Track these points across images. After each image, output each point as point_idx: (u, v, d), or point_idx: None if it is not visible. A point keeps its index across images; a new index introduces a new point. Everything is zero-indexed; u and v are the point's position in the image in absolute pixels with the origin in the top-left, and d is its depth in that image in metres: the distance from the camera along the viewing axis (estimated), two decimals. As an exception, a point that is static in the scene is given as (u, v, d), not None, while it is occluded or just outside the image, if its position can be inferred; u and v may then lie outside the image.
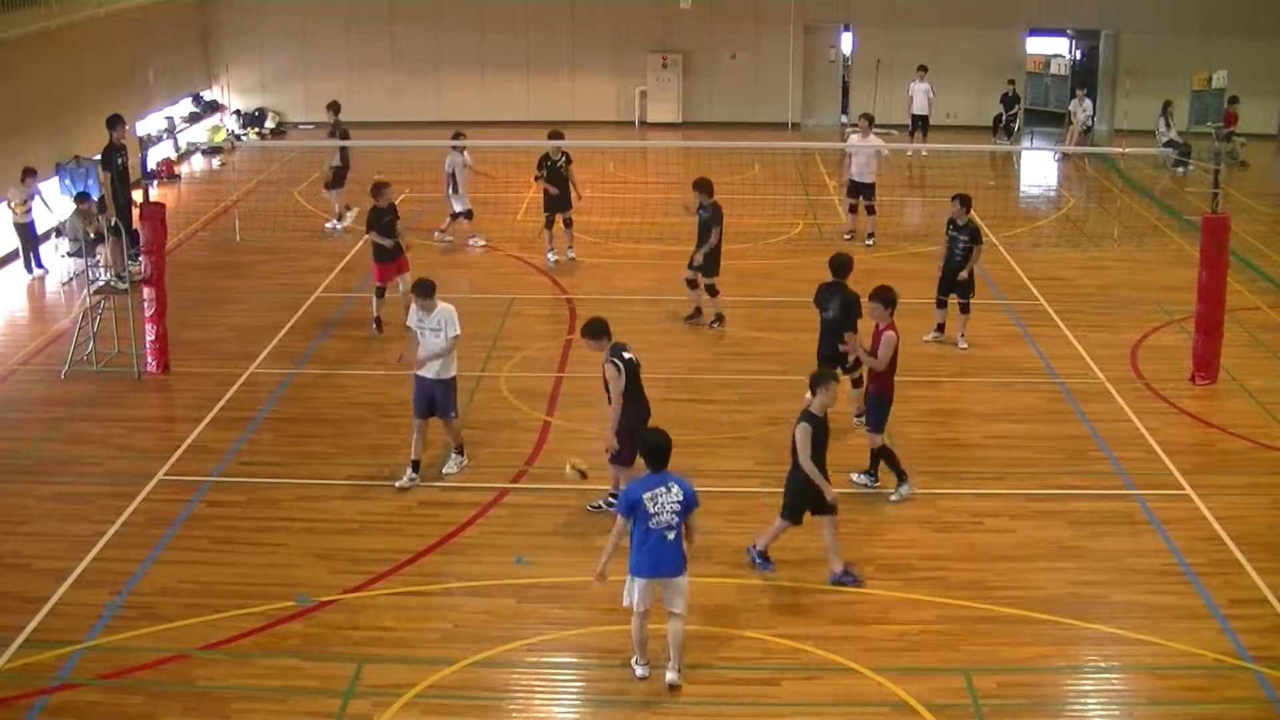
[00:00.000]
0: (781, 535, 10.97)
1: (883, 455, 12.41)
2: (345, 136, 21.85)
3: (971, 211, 16.23)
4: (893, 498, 12.33)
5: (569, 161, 19.71)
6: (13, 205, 19.47)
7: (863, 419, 13.17)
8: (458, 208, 20.62)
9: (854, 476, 12.54)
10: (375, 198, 16.62)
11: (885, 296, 12.28)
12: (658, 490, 9.04)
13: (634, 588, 9.23)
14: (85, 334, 15.71)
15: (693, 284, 16.99)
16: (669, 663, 9.39)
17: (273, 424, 14.17)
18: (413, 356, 12.55)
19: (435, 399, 12.52)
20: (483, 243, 20.80)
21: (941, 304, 16.47)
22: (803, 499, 10.71)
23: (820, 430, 10.52)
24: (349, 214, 21.88)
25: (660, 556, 9.08)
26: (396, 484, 12.46)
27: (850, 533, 11.69)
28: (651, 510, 8.99)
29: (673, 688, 9.33)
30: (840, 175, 21.93)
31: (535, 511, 12.08)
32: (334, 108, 22.72)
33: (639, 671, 9.46)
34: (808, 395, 10.56)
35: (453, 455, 12.88)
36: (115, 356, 15.59)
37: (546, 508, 12.04)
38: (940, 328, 16.56)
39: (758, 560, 11.00)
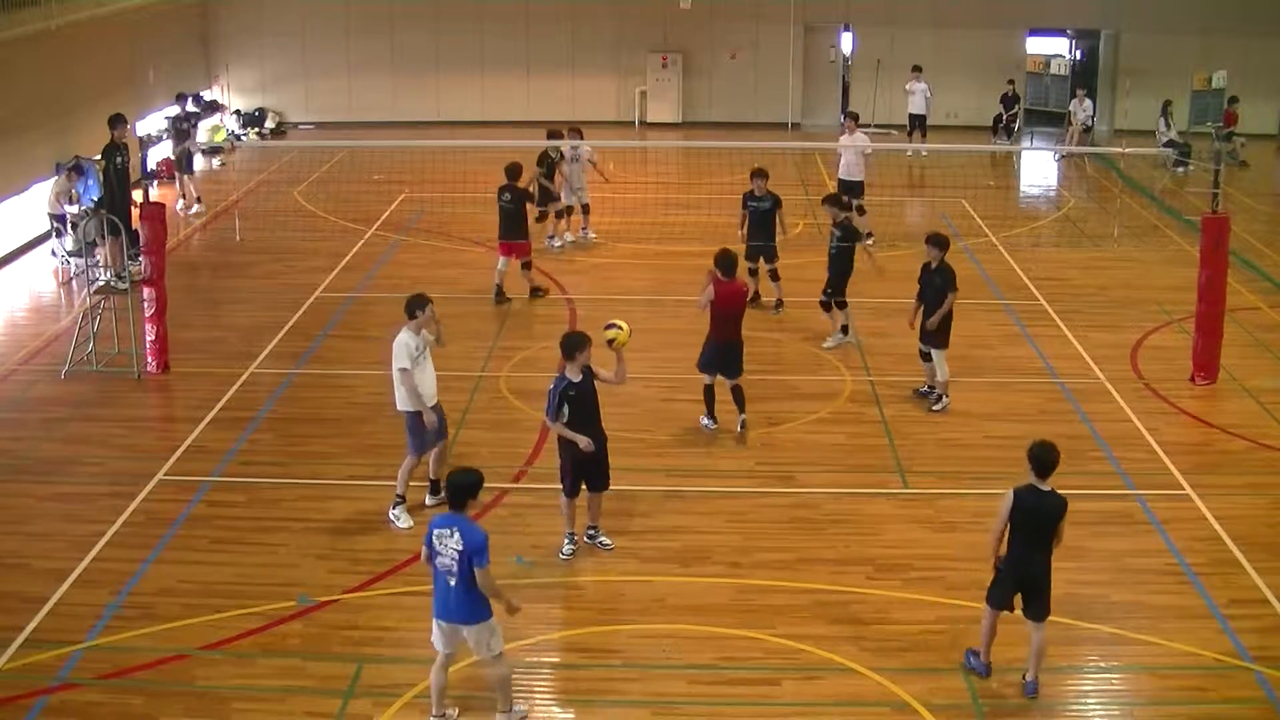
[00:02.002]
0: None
1: (706, 394, 13.77)
2: (185, 126, 24.43)
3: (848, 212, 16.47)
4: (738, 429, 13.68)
5: (563, 158, 20.17)
6: (56, 194, 19.60)
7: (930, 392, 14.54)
8: (569, 201, 20.75)
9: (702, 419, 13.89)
10: (513, 180, 17.56)
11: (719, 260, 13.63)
12: (443, 531, 8.51)
13: (433, 627, 8.82)
14: (85, 334, 15.71)
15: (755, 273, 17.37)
16: (500, 708, 8.96)
17: (273, 424, 14.16)
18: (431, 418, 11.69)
19: (441, 420, 11.91)
20: (571, 239, 21.08)
21: (825, 305, 16.40)
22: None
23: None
24: (197, 205, 23.33)
25: (445, 599, 8.63)
26: (400, 525, 11.81)
27: (850, 532, 11.72)
28: (438, 549, 8.53)
29: None
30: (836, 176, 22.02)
31: (535, 511, 12.08)
32: (180, 99, 26.03)
33: None
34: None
35: (431, 494, 12.19)
36: (115, 356, 15.59)
37: (546, 508, 12.01)
38: (845, 329, 16.43)
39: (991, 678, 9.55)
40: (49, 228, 19.92)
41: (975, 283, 18.90)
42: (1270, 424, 14.16)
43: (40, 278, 19.70)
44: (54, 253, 19.71)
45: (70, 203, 19.59)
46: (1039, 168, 29.13)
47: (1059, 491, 9.11)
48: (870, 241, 20.76)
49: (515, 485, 12.66)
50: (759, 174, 17.33)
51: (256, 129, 30.90)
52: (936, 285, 14.15)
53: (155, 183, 25.23)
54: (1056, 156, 29.38)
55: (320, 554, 11.32)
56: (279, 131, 31.20)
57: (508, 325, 17.19)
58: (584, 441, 10.93)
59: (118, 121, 19.27)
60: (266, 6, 30.99)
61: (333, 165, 26.77)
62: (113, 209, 18.35)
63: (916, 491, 12.52)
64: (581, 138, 20.67)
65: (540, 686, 9.64)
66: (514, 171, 18.02)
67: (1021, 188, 27.45)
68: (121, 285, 16.40)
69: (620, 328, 11.44)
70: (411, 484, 12.03)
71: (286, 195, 24.22)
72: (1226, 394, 15.00)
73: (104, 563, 11.13)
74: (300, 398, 14.90)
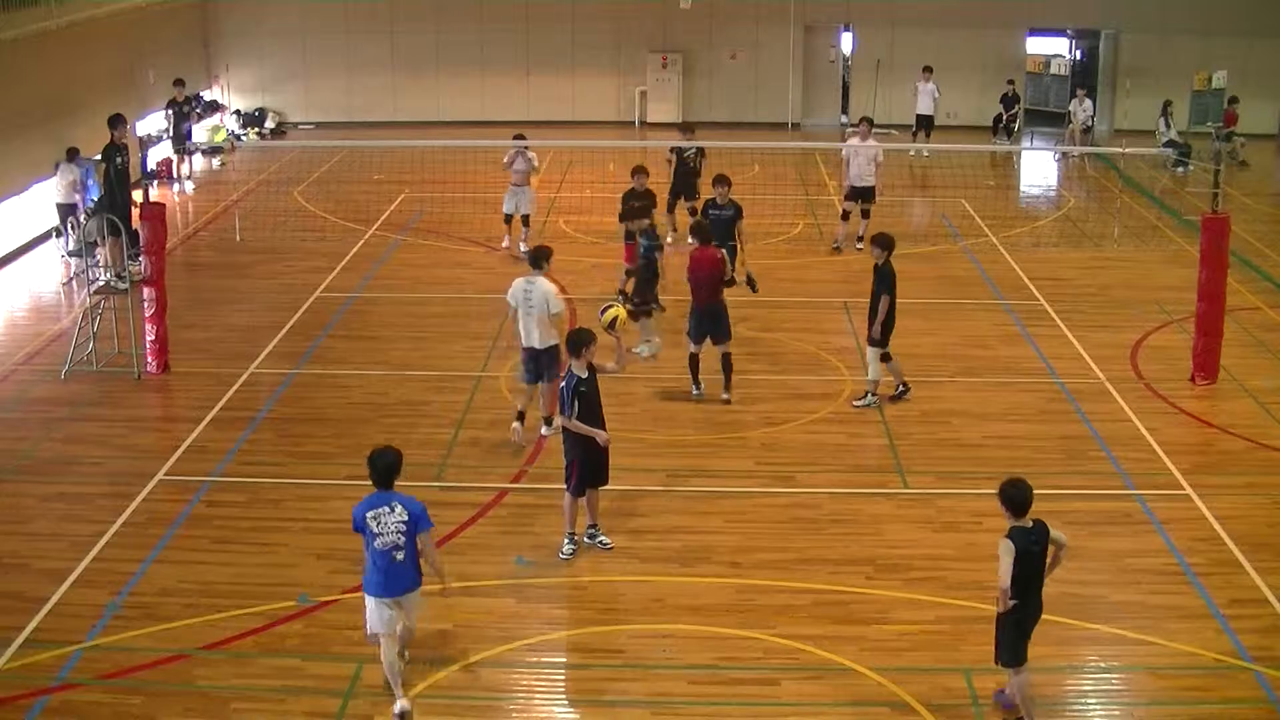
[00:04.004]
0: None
1: (691, 364, 14.62)
2: (184, 111, 25.44)
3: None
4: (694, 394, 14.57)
5: (700, 154, 20.61)
6: (65, 185, 19.60)
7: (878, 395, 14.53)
8: (507, 209, 20.45)
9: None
10: (633, 179, 18.00)
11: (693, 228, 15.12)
12: (380, 510, 8.84)
13: (370, 609, 9.01)
14: (85, 334, 15.71)
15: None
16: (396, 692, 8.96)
17: (273, 424, 14.16)
18: None
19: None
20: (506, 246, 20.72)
21: (634, 315, 16.35)
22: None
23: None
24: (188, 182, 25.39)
25: (389, 575, 8.89)
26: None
27: (850, 532, 11.72)
28: (376, 530, 8.80)
29: (403, 715, 8.87)
30: (839, 178, 21.90)
31: (535, 511, 12.08)
32: (178, 84, 25.89)
33: (397, 707, 8.91)
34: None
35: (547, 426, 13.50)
36: (115, 356, 15.59)
37: (546, 508, 12.02)
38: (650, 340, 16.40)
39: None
40: (57, 221, 19.96)
41: (975, 283, 18.93)
42: (1270, 424, 14.16)
43: (40, 278, 19.71)
44: (58, 248, 19.77)
45: (81, 188, 19.66)
46: (1039, 168, 29.14)
47: (1038, 518, 8.83)
48: (860, 246, 20.76)
49: (515, 485, 12.66)
50: (720, 180, 17.05)
51: (256, 129, 30.90)
52: (873, 285, 14.22)
53: (155, 183, 25.24)
54: (1056, 156, 29.38)
55: (320, 554, 11.32)
56: (279, 131, 31.20)
57: (508, 325, 17.14)
58: (603, 436, 10.99)
59: (118, 122, 19.28)
60: (266, 6, 30.99)
61: (333, 165, 26.79)
62: (113, 209, 18.37)
63: (916, 491, 12.52)
64: (524, 139, 20.11)
65: (540, 686, 9.64)
66: (633, 172, 18.29)
67: (1021, 188, 27.45)
68: (121, 285, 16.40)
69: (616, 305, 11.99)
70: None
71: (286, 195, 24.22)
72: (1226, 394, 15.00)
73: (104, 563, 11.12)
74: (300, 398, 14.90)
